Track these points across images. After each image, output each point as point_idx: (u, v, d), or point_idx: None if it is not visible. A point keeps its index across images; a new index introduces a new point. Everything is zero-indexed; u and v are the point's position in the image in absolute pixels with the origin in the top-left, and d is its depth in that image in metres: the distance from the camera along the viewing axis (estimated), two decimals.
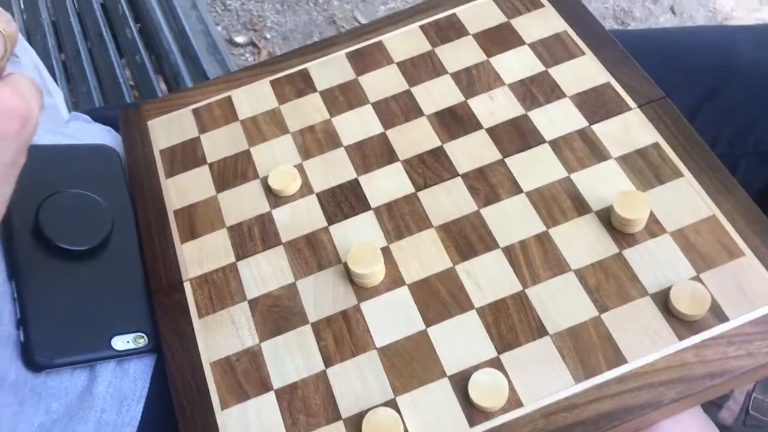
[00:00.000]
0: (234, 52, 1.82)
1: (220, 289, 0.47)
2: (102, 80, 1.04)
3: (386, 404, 0.40)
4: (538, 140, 0.48)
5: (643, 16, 1.83)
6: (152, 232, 0.50)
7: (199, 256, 0.48)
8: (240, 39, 1.79)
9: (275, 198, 0.50)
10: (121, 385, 0.45)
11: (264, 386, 0.42)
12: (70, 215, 0.48)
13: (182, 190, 0.52)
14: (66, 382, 0.44)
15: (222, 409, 0.42)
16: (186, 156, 0.54)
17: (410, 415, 0.40)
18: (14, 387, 0.43)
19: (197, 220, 0.50)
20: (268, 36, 1.82)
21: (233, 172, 0.52)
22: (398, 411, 0.40)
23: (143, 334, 0.46)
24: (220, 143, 0.54)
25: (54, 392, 0.44)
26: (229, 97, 0.56)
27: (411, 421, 0.40)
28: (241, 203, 0.50)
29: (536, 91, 0.51)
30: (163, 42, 1.05)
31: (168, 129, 0.56)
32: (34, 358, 0.43)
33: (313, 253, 0.47)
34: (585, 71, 0.51)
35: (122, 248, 0.49)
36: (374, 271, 0.44)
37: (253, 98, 0.56)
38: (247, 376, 0.43)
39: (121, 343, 0.45)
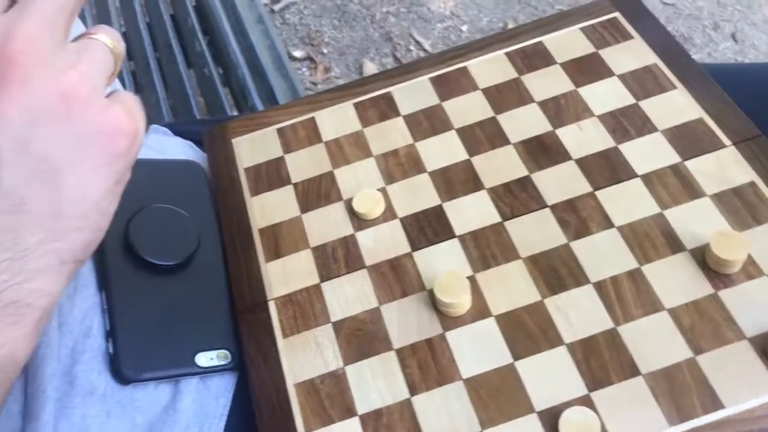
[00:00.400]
0: (291, 66, 1.84)
1: (305, 309, 0.47)
2: (170, 91, 1.06)
3: None
4: (630, 174, 0.48)
5: (703, 43, 1.81)
6: (237, 250, 0.50)
7: (284, 276, 0.49)
8: (297, 53, 1.81)
9: (359, 221, 0.50)
10: (203, 402, 0.46)
11: (348, 411, 0.42)
12: (159, 230, 0.49)
13: (267, 208, 0.52)
14: (150, 396, 0.45)
15: None
16: (270, 175, 0.54)
17: None
18: (102, 398, 0.43)
19: (282, 240, 0.50)
20: (325, 51, 1.84)
21: (317, 193, 0.53)
22: None
23: (227, 352, 0.46)
24: (304, 164, 0.54)
25: (139, 405, 0.44)
26: (313, 119, 0.57)
27: None
28: (325, 225, 0.51)
29: (627, 123, 0.50)
30: (231, 56, 1.07)
31: (252, 147, 0.56)
32: (122, 371, 0.44)
33: (396, 278, 0.47)
34: (677, 105, 0.51)
35: (207, 265, 0.50)
36: (462, 301, 0.44)
37: (337, 120, 0.56)
38: (331, 399, 0.43)
39: (204, 359, 0.46)
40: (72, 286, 0.46)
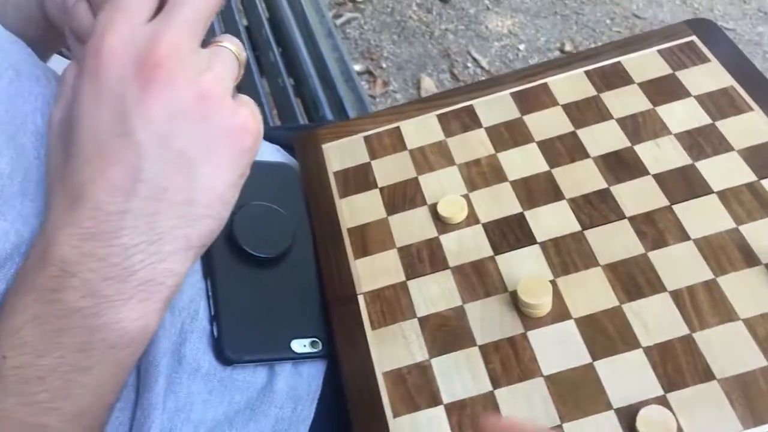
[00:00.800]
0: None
1: (392, 304, 0.50)
2: None
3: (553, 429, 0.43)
4: (706, 190, 0.50)
5: (764, 69, 1.80)
6: (327, 247, 0.54)
7: (371, 272, 0.52)
8: (357, 67, 1.86)
9: (443, 225, 0.53)
10: (296, 385, 0.49)
11: (434, 400, 0.45)
12: (259, 225, 0.53)
13: (355, 210, 0.56)
14: (249, 378, 0.48)
15: (394, 417, 0.45)
16: (358, 179, 0.58)
17: None
18: (206, 377, 0.47)
19: (369, 239, 0.54)
20: (384, 65, 1.88)
21: (402, 197, 0.56)
22: None
23: (318, 340, 0.50)
24: (390, 170, 0.58)
25: (239, 386, 0.48)
26: (398, 128, 0.60)
27: None
28: (411, 227, 0.54)
29: (703, 142, 0.53)
30: (303, 66, 1.11)
31: (341, 153, 0.60)
32: (225, 352, 0.47)
33: (480, 279, 0.50)
34: (753, 126, 0.53)
35: (301, 259, 0.53)
36: (544, 303, 0.46)
37: (421, 130, 0.60)
38: (417, 388, 0.46)
39: (298, 346, 0.49)
40: None
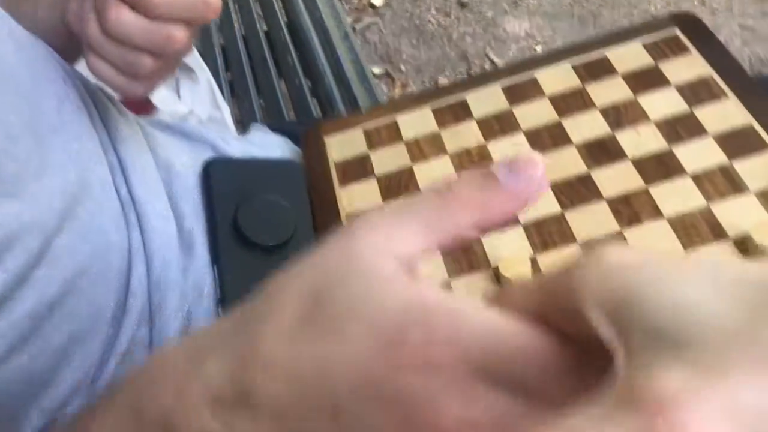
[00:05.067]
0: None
1: None
2: (264, 99, 1.16)
3: None
4: (680, 172, 0.53)
5: None
6: (328, 232, 0.58)
7: None
8: (376, 70, 1.90)
9: None
10: None
11: None
12: (263, 216, 0.57)
13: (353, 198, 0.60)
14: None
15: None
16: (357, 169, 0.62)
17: None
18: None
19: None
20: (403, 68, 1.92)
21: (397, 185, 0.60)
22: None
23: None
24: (387, 160, 0.62)
25: None
26: (395, 122, 0.64)
27: None
28: None
29: (680, 128, 0.56)
30: (320, 68, 1.16)
31: (342, 145, 0.64)
32: None
33: (465, 257, 0.53)
34: (728, 113, 0.55)
35: (303, 247, 0.57)
36: (523, 277, 0.50)
37: (417, 123, 0.63)
38: None
39: None
40: (188, 259, 0.54)
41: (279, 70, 1.20)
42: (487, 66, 1.89)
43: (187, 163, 0.61)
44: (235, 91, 1.18)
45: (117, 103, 0.60)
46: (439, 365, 0.20)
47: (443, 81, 1.86)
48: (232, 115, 1.11)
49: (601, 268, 0.18)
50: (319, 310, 0.23)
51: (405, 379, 0.20)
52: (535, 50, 1.91)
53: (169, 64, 0.49)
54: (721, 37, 1.83)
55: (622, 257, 0.18)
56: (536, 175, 0.24)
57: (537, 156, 0.25)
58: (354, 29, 1.98)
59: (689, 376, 0.14)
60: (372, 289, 0.23)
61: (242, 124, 1.12)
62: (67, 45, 0.54)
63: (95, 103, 0.55)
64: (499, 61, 1.89)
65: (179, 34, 0.45)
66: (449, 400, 0.20)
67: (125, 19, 0.44)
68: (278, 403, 0.22)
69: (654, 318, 0.16)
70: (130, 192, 0.53)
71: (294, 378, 0.22)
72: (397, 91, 1.85)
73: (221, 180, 0.61)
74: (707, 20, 2.00)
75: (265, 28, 1.30)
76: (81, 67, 0.56)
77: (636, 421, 0.14)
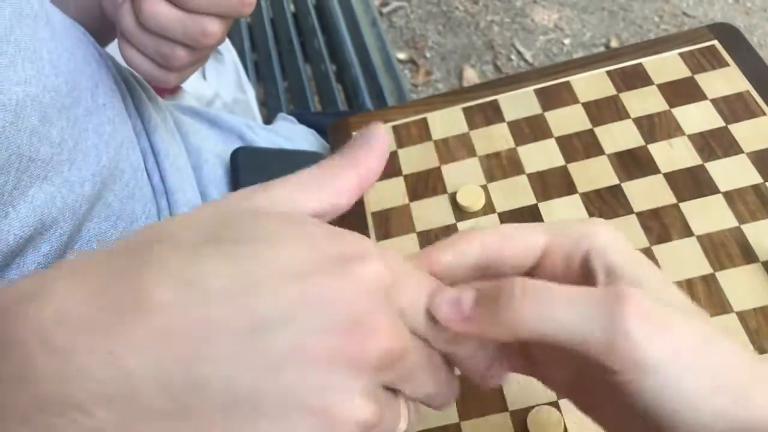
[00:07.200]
0: None
1: None
2: (289, 83, 1.16)
3: None
4: (713, 190, 0.52)
5: None
6: (352, 229, 0.58)
7: None
8: (401, 55, 1.89)
9: (461, 213, 0.57)
10: None
11: None
12: None
13: (380, 195, 0.60)
14: None
15: None
16: (384, 166, 0.61)
17: None
18: None
19: (391, 223, 0.57)
20: (428, 55, 1.91)
21: (425, 185, 0.59)
22: None
23: None
24: (414, 158, 0.61)
25: None
26: (425, 119, 0.64)
27: None
28: (431, 214, 0.57)
29: (714, 143, 0.55)
30: (346, 54, 1.15)
31: None
32: None
33: None
34: (764, 130, 0.55)
35: None
36: None
37: (447, 122, 0.63)
38: None
39: None
40: None
41: (305, 53, 1.19)
42: (514, 57, 1.88)
43: (216, 151, 0.61)
44: (260, 73, 1.17)
45: (147, 88, 0.59)
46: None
47: (468, 70, 1.85)
48: (256, 98, 1.11)
49: (608, 236, 0.30)
50: (225, 233, 0.24)
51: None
52: (563, 43, 1.89)
53: (201, 55, 0.49)
54: (755, 38, 1.80)
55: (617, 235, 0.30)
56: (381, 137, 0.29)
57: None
58: (381, 13, 1.97)
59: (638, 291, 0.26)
60: (279, 219, 0.25)
61: (266, 107, 1.11)
62: (101, 28, 0.54)
63: (128, 88, 0.55)
64: (526, 52, 1.87)
65: (214, 27, 0.45)
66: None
67: (161, 11, 0.44)
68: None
69: (629, 276, 0.29)
70: (162, 179, 0.53)
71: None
72: (421, 78, 1.84)
73: (249, 169, 0.60)
74: (741, 21, 1.97)
75: (293, 9, 1.29)
76: (112, 49, 0.56)
77: (607, 295, 0.26)
